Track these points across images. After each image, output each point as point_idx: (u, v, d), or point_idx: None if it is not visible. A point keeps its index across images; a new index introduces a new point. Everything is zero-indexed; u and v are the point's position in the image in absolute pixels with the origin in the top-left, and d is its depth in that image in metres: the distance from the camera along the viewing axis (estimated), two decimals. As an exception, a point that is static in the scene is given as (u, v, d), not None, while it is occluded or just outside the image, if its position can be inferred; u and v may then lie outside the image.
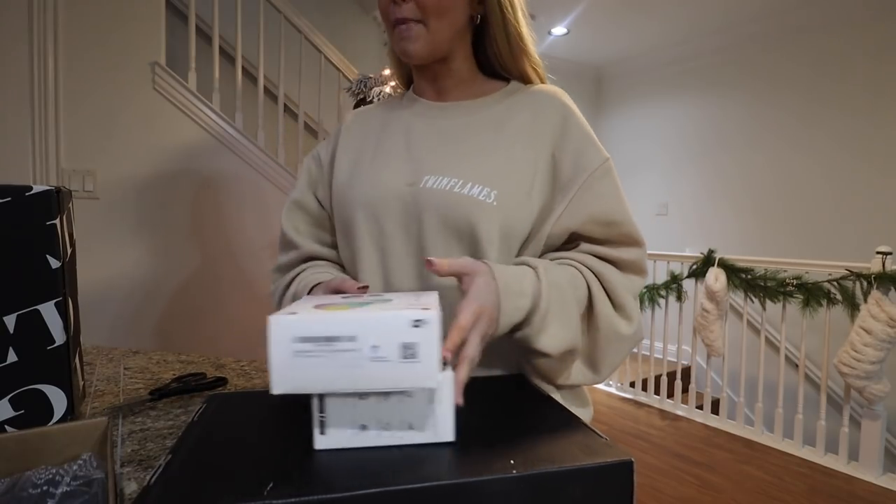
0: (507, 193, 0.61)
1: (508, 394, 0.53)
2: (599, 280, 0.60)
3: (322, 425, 0.39)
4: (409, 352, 0.36)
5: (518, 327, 0.54)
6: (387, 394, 0.39)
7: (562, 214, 0.62)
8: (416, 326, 0.36)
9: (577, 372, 0.61)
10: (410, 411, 0.39)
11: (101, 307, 2.03)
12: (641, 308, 3.08)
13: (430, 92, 0.72)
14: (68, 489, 0.38)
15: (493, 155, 0.64)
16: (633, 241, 0.63)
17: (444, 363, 0.40)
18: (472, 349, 0.45)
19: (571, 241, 0.64)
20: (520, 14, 0.67)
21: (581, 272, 0.60)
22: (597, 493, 0.36)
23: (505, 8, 0.65)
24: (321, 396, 0.39)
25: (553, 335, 0.55)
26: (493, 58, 0.70)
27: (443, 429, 0.40)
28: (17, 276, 0.63)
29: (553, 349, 0.55)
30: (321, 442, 0.39)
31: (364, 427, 0.39)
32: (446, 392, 0.40)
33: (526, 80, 0.72)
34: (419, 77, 0.73)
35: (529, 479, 0.35)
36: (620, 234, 0.62)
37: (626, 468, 0.37)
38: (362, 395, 0.39)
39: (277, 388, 0.36)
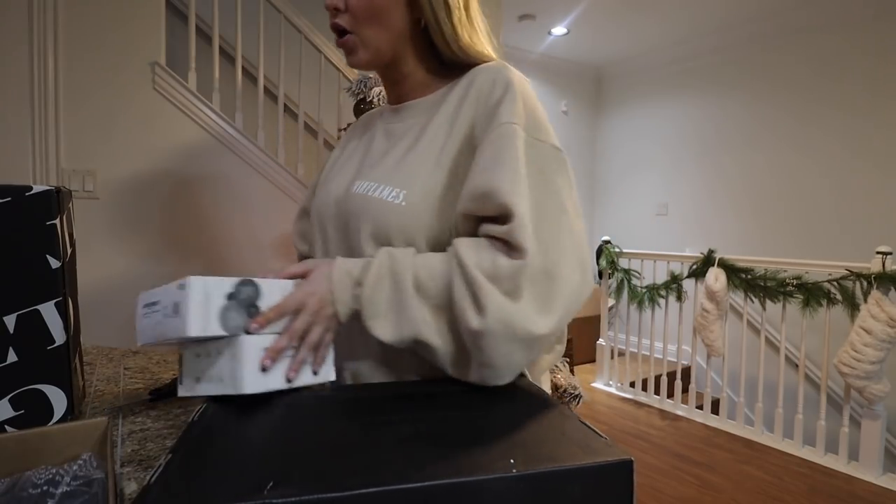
0: (415, 192, 0.58)
1: (508, 393, 0.53)
2: (459, 264, 0.53)
3: (181, 376, 0.52)
4: (176, 308, 0.46)
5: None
6: (208, 353, 0.50)
7: (461, 196, 0.57)
8: (181, 289, 0.46)
9: (452, 370, 0.55)
10: (220, 368, 0.49)
11: (101, 307, 2.03)
12: (641, 308, 3.09)
13: (392, 97, 0.73)
14: (68, 489, 0.38)
15: (412, 152, 0.62)
16: (506, 213, 0.53)
17: (247, 331, 0.49)
18: (300, 324, 0.52)
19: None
20: (457, 15, 0.63)
21: (449, 257, 0.55)
22: (597, 492, 0.36)
23: (437, 11, 0.62)
24: (180, 356, 0.52)
25: (383, 323, 0.54)
26: (445, 58, 0.67)
27: (239, 382, 0.48)
28: (17, 276, 0.63)
29: (386, 337, 0.53)
30: (180, 390, 0.52)
31: (198, 379, 0.50)
32: (245, 352, 0.48)
33: None
34: (383, 84, 0.73)
35: (529, 478, 0.35)
36: (495, 207, 0.53)
37: (626, 468, 0.37)
38: (198, 354, 0.50)
39: (138, 341, 0.51)
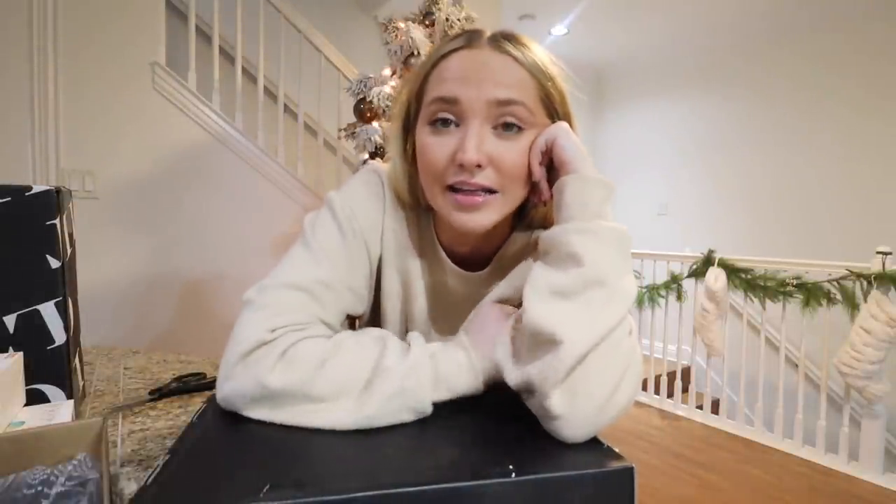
0: None
1: (508, 398, 0.53)
2: None
3: None
4: None
5: None
6: None
7: None
8: None
9: None
10: None
11: (101, 307, 2.03)
12: (641, 308, 3.09)
13: (455, 239, 0.61)
14: (63, 489, 0.38)
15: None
16: None
17: None
18: None
19: None
20: None
21: None
22: (597, 499, 0.36)
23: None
24: None
25: None
26: (533, 217, 0.61)
27: None
28: (17, 276, 0.63)
29: None
30: None
31: None
32: None
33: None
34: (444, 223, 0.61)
35: (528, 484, 0.35)
36: None
37: (627, 475, 0.37)
38: None
39: None
